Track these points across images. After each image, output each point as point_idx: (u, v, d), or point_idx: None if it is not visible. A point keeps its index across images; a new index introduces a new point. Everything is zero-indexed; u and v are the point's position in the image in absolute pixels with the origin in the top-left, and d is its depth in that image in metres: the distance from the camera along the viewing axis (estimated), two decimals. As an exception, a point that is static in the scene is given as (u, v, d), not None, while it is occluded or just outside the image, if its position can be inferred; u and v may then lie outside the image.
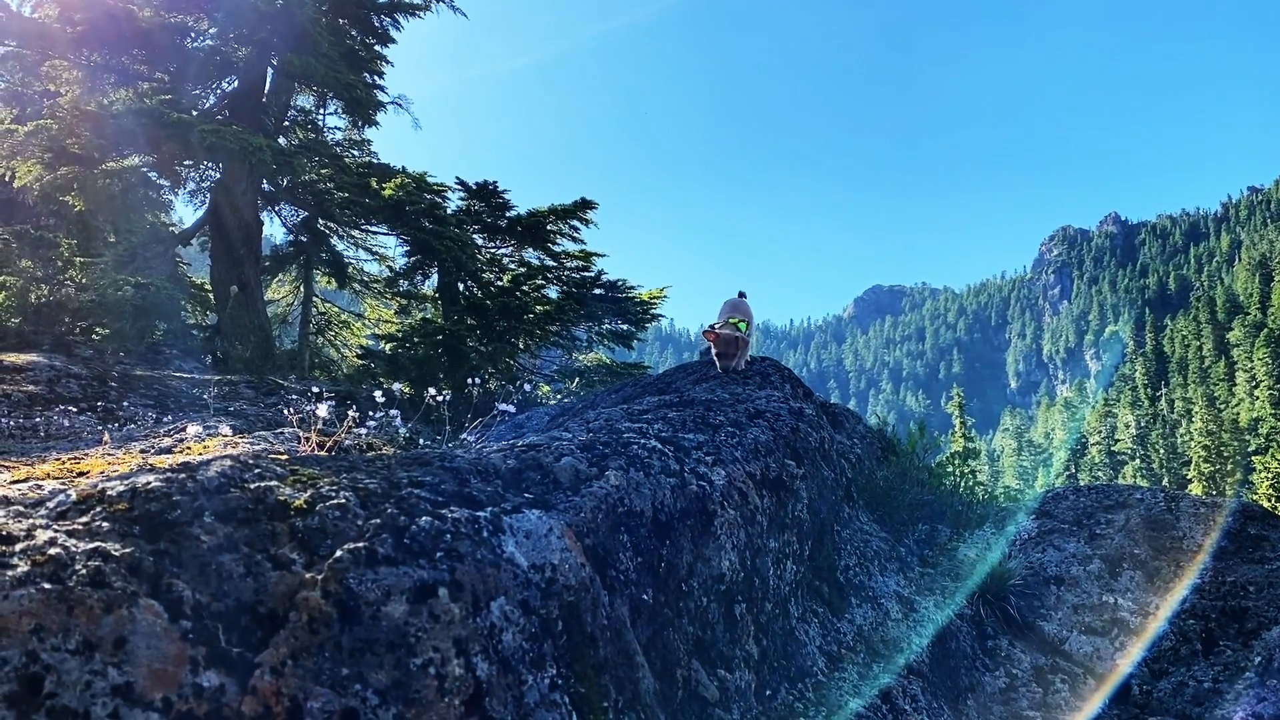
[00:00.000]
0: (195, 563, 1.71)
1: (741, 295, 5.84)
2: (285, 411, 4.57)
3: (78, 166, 10.92)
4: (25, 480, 2.18)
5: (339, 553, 1.81)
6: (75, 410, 5.96)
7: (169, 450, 3.71)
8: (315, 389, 7.23)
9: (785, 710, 3.34)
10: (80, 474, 2.49)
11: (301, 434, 3.46)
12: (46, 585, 1.51)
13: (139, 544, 1.69)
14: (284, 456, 2.37)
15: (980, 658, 5.32)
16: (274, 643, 1.65)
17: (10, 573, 1.51)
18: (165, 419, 5.82)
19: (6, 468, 3.10)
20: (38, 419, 5.56)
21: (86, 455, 3.58)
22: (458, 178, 12.92)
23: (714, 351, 5.65)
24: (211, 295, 13.10)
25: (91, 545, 1.64)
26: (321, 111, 14.41)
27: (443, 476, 2.31)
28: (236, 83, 12.60)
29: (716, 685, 2.96)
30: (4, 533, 1.61)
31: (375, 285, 15.20)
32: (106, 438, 4.08)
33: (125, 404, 6.36)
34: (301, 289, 15.05)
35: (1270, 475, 46.05)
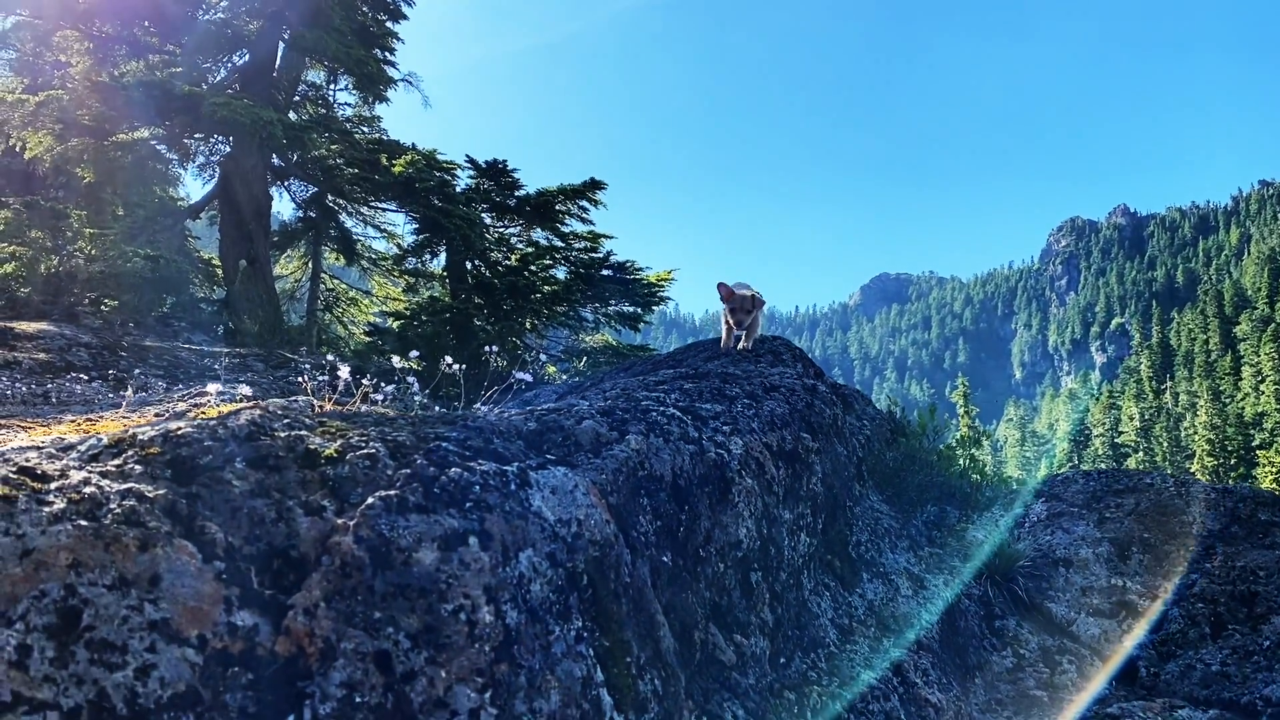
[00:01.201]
0: (227, 506, 1.71)
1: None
2: (299, 379, 4.57)
3: (88, 138, 10.91)
4: (47, 437, 2.18)
5: (370, 500, 1.81)
6: (86, 378, 5.97)
7: (182, 415, 3.71)
8: (325, 362, 7.24)
9: (799, 678, 3.36)
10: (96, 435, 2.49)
11: (315, 403, 3.45)
12: (83, 522, 1.52)
13: (171, 486, 1.70)
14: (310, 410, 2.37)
15: (988, 637, 5.33)
16: (306, 585, 1.65)
17: (47, 509, 1.51)
18: (176, 388, 5.83)
19: (24, 428, 3.11)
20: (49, 386, 5.56)
21: (101, 418, 3.58)
22: (467, 156, 12.82)
23: (725, 308, 5.46)
24: (220, 269, 13.10)
25: (125, 486, 1.65)
26: (332, 87, 14.34)
27: (468, 433, 2.31)
28: (247, 56, 12.55)
29: (733, 650, 2.97)
30: (39, 471, 1.62)
31: (383, 262, 15.17)
32: (130, 394, 4.10)
33: (136, 373, 6.36)
34: (310, 265, 15.03)
35: (1274, 469, 45.98)
